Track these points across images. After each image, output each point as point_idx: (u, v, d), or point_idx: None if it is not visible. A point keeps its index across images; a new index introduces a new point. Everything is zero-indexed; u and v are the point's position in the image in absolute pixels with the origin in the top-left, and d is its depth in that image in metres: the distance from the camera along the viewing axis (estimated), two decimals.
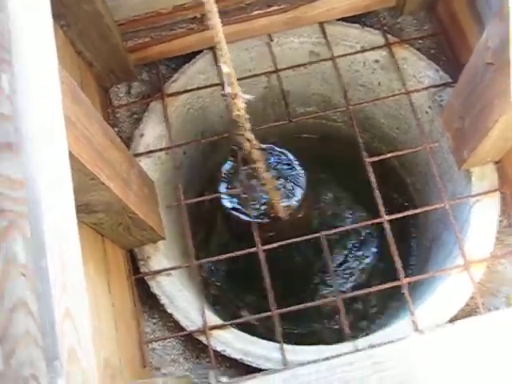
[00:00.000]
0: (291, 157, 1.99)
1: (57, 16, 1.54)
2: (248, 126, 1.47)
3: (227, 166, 1.98)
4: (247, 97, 1.33)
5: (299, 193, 1.92)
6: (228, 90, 1.28)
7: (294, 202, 1.92)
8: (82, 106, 1.24)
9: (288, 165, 1.97)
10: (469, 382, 0.92)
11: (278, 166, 1.96)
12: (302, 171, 1.94)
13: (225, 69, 1.26)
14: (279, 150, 2.00)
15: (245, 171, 1.78)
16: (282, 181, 1.95)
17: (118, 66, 1.93)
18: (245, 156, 1.61)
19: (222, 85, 1.44)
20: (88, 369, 0.82)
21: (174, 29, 1.91)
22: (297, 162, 1.96)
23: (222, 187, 1.97)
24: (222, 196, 1.95)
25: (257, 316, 1.74)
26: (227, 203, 1.95)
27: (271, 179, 1.72)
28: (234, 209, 1.93)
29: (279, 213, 1.82)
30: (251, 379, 0.99)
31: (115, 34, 1.79)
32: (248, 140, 1.53)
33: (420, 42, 2.03)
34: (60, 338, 0.71)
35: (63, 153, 0.83)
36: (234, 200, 1.94)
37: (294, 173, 1.96)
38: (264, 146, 1.89)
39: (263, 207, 1.83)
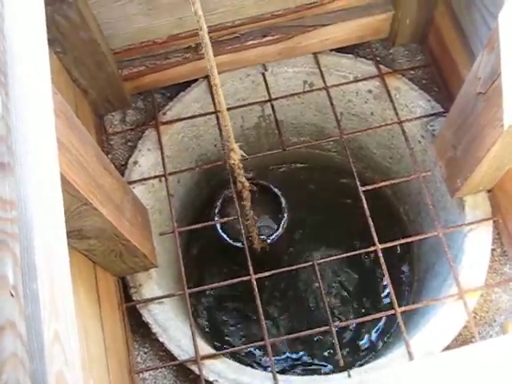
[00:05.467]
0: (282, 200, 2.17)
1: (52, 42, 1.57)
2: (241, 172, 1.73)
3: (224, 195, 2.14)
4: (241, 152, 1.64)
5: (275, 234, 2.12)
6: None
7: (269, 239, 2.12)
8: (77, 132, 1.24)
9: (277, 205, 2.17)
10: None
11: (266, 205, 2.18)
12: (285, 216, 2.14)
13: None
14: (274, 189, 2.18)
15: (235, 204, 1.91)
16: (265, 218, 2.19)
17: (113, 94, 1.94)
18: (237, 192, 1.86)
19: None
20: None
21: (168, 58, 1.93)
22: (285, 204, 2.15)
23: (216, 212, 2.13)
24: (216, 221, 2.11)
25: (250, 345, 1.72)
26: (218, 227, 2.13)
27: (253, 217, 1.96)
28: (223, 231, 2.12)
29: (254, 245, 2.05)
30: None
31: (111, 62, 1.80)
32: (241, 182, 1.78)
33: (412, 72, 2.06)
34: (49, 362, 0.70)
35: (55, 175, 0.83)
36: (225, 226, 2.14)
37: (278, 213, 2.16)
38: (257, 186, 2.06)
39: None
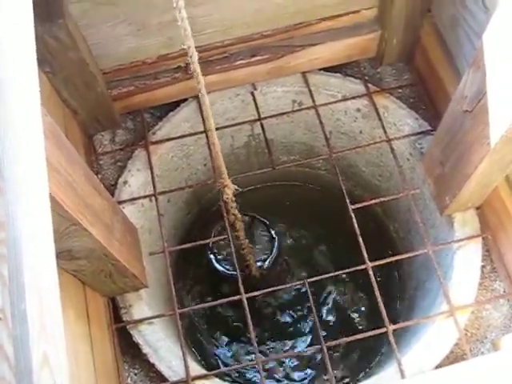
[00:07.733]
0: (270, 226, 2.32)
1: (42, 62, 1.57)
2: (234, 205, 1.81)
3: (218, 227, 2.23)
4: (235, 186, 1.72)
5: (270, 257, 2.24)
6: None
7: (264, 264, 2.23)
8: (66, 153, 1.24)
9: (267, 232, 2.32)
10: None
11: (258, 234, 2.32)
12: (276, 240, 2.28)
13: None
14: (261, 219, 2.33)
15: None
16: (258, 246, 2.29)
17: (102, 114, 1.94)
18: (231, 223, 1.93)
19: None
20: None
21: (158, 78, 1.94)
22: (273, 231, 2.30)
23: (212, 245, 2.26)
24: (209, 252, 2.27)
25: (241, 365, 1.70)
26: (213, 257, 2.25)
27: (248, 245, 2.05)
28: (218, 262, 2.24)
29: (252, 271, 2.13)
30: None
31: (100, 82, 1.81)
32: (234, 215, 1.87)
33: (399, 91, 2.08)
34: None
35: (44, 196, 0.82)
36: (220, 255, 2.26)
37: (269, 240, 2.30)
38: (247, 217, 2.28)
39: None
